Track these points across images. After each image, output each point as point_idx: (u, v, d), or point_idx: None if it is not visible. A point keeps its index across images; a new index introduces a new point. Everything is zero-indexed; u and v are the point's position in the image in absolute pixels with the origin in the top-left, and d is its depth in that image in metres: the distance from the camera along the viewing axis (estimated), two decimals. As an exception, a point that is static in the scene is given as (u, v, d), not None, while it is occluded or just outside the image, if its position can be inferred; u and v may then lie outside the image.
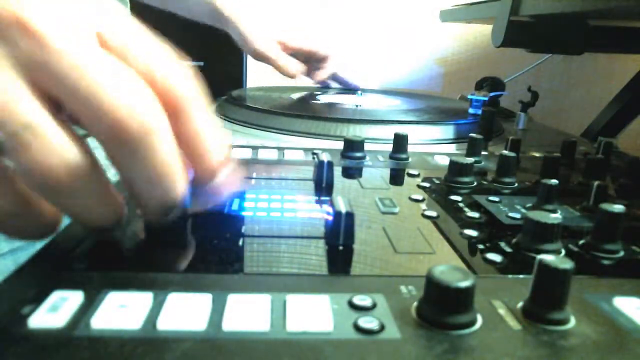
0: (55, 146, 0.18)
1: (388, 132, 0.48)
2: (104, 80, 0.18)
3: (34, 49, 0.18)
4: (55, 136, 0.19)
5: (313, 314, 0.18)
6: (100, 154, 0.20)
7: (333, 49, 0.76)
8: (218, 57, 0.95)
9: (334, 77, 0.79)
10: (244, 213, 0.28)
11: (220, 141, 0.23)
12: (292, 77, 0.72)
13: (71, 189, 0.19)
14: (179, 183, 0.21)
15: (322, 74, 0.77)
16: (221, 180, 0.23)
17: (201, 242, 0.24)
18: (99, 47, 0.19)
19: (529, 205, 0.32)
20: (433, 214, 0.29)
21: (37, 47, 0.18)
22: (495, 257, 0.24)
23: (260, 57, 0.70)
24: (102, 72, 0.19)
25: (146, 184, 0.21)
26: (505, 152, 0.38)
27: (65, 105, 0.19)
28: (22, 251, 0.43)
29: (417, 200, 0.32)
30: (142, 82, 0.20)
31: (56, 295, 0.18)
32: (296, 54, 0.73)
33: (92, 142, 0.20)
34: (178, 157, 0.21)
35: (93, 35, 0.20)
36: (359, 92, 0.74)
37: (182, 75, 0.21)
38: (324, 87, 0.79)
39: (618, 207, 0.25)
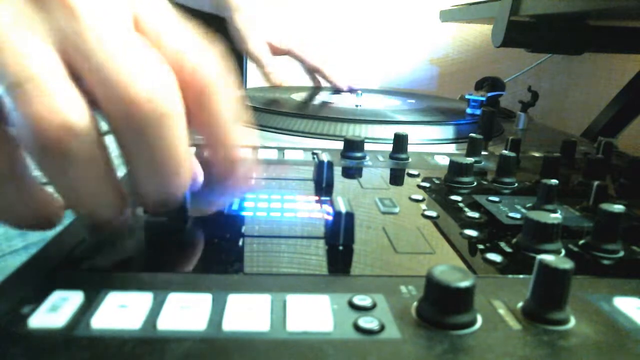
0: (58, 103, 0.18)
1: (388, 132, 0.48)
2: (124, 59, 0.19)
3: (66, 20, 0.18)
4: (60, 92, 0.18)
5: (313, 314, 0.18)
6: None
7: (323, 59, 0.76)
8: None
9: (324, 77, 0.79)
10: (244, 213, 0.28)
11: (242, 134, 0.23)
12: (276, 85, 0.72)
13: (69, 155, 0.18)
14: (181, 175, 0.20)
15: (315, 82, 0.78)
16: (236, 180, 0.23)
17: (201, 242, 0.24)
18: (131, 29, 0.20)
19: (529, 205, 0.32)
20: (433, 214, 0.29)
21: (69, 19, 0.18)
22: (495, 257, 0.24)
23: (251, 58, 0.71)
24: (125, 51, 0.19)
25: (147, 169, 0.20)
26: (505, 152, 0.38)
27: (84, 79, 0.19)
28: (36, 247, 0.43)
29: (417, 200, 0.32)
30: (167, 67, 0.20)
31: (56, 295, 0.18)
32: (290, 56, 0.74)
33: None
34: (186, 149, 0.20)
35: (128, 16, 0.20)
36: (359, 92, 0.74)
37: (211, 63, 0.21)
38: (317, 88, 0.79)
39: (618, 207, 0.25)
